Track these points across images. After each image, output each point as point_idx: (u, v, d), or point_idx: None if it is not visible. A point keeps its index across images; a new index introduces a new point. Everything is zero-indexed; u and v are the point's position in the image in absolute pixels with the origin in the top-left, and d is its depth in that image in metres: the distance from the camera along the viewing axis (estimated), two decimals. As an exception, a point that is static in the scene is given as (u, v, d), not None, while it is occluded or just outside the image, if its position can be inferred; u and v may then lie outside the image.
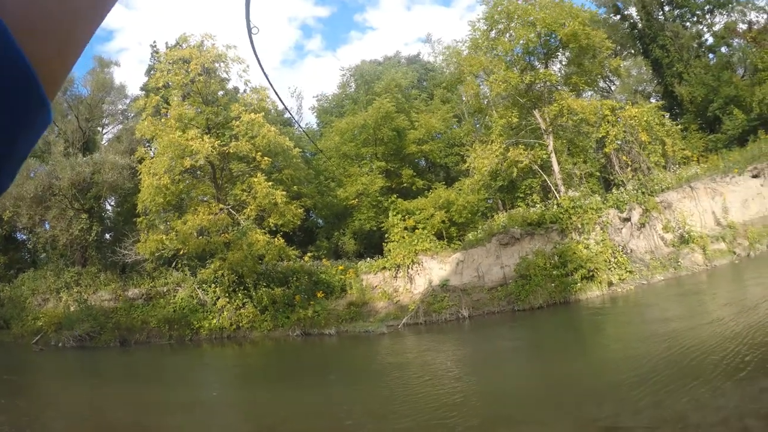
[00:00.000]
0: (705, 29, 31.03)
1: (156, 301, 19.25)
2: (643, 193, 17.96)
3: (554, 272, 15.81)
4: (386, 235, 18.66)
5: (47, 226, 22.71)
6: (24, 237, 26.43)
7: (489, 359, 11.48)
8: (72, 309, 20.95)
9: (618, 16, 32.42)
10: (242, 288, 17.26)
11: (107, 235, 24.67)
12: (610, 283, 15.64)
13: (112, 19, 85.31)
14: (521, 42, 20.01)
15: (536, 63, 21.14)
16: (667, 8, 31.68)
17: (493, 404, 7.95)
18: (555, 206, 17.86)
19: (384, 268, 17.29)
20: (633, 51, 31.86)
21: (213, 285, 17.70)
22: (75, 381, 14.30)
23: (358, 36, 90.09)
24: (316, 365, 13.37)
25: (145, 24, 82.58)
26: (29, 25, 0.42)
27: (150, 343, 18.06)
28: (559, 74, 21.82)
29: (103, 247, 22.91)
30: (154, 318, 18.47)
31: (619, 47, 29.43)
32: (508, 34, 20.67)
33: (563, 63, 22.64)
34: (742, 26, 29.23)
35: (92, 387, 12.90)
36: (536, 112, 19.93)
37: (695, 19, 31.13)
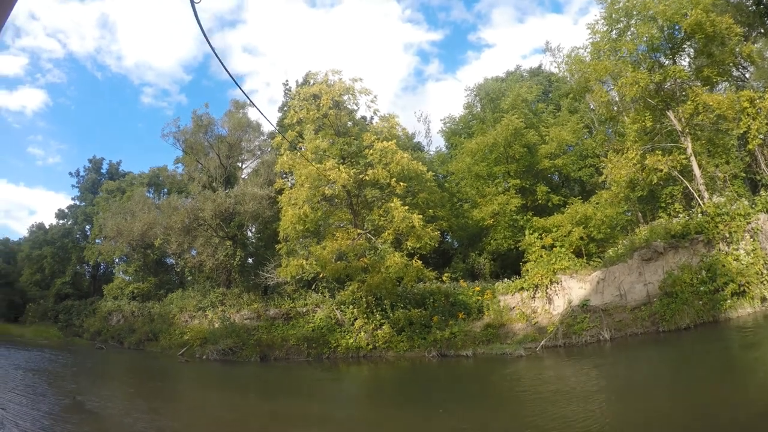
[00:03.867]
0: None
1: (295, 320, 20.58)
2: (795, 192, 16.22)
3: (702, 288, 14.67)
4: (523, 255, 18.42)
5: (194, 252, 25.32)
6: (173, 261, 29.69)
7: (633, 385, 10.93)
8: (216, 326, 23.09)
9: (741, -8, 29.20)
10: (379, 309, 17.90)
11: (250, 260, 26.75)
12: (764, 299, 14.31)
13: (242, 66, 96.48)
14: (644, 39, 18.92)
15: (663, 59, 19.82)
16: (794, -27, 27.96)
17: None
18: (699, 214, 16.60)
19: (521, 288, 17.01)
20: (762, 30, 28.55)
21: (351, 306, 18.55)
22: (218, 390, 15.51)
23: (475, 55, 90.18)
24: (454, 387, 13.39)
25: (270, 67, 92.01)
26: None
27: (289, 360, 19.22)
28: (689, 68, 20.24)
29: (246, 271, 25.07)
30: (293, 336, 19.70)
31: (747, 29, 26.52)
32: (629, 33, 19.62)
33: (691, 56, 20.99)
34: None
35: (234, 397, 13.87)
36: (670, 113, 18.62)
37: (828, -19, 27.16)
